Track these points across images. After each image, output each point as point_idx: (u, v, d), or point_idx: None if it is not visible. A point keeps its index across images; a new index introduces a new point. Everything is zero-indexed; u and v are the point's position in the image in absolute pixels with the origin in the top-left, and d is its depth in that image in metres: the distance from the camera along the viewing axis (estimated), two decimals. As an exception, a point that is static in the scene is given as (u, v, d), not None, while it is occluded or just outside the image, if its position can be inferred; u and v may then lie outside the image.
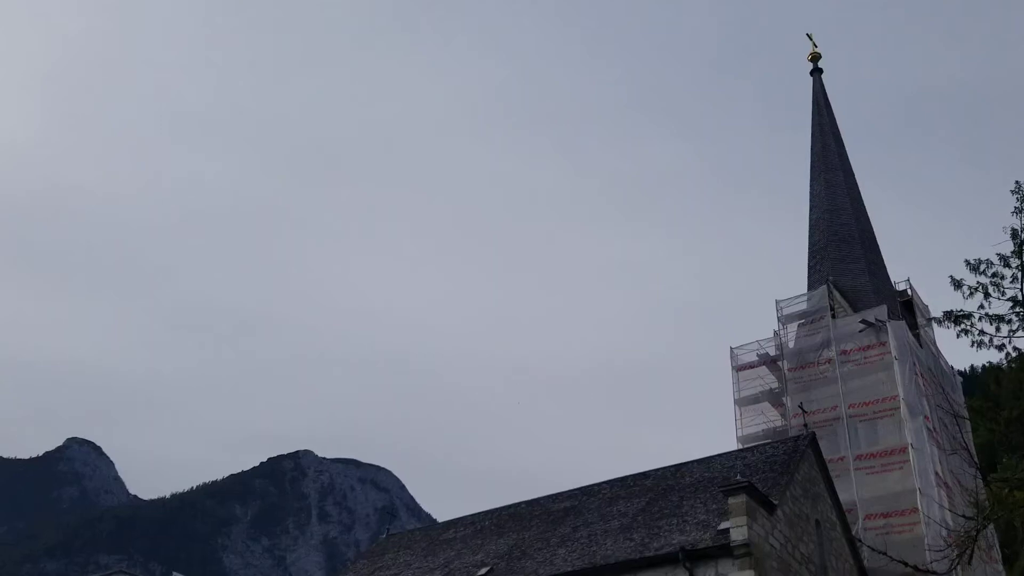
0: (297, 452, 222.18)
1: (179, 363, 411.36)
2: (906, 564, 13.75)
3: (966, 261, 13.08)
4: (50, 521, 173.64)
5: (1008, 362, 11.82)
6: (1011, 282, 12.74)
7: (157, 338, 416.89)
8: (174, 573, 52.50)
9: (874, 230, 37.72)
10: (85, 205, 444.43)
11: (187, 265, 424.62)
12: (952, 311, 12.69)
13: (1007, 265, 12.81)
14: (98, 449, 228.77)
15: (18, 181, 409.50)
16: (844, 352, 29.92)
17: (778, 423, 30.90)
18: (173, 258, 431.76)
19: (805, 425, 26.96)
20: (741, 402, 32.03)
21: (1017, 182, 13.88)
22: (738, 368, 32.61)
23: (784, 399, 30.81)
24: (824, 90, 41.71)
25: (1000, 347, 11.98)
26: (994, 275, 12.89)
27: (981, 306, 12.78)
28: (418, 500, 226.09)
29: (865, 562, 25.24)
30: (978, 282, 12.87)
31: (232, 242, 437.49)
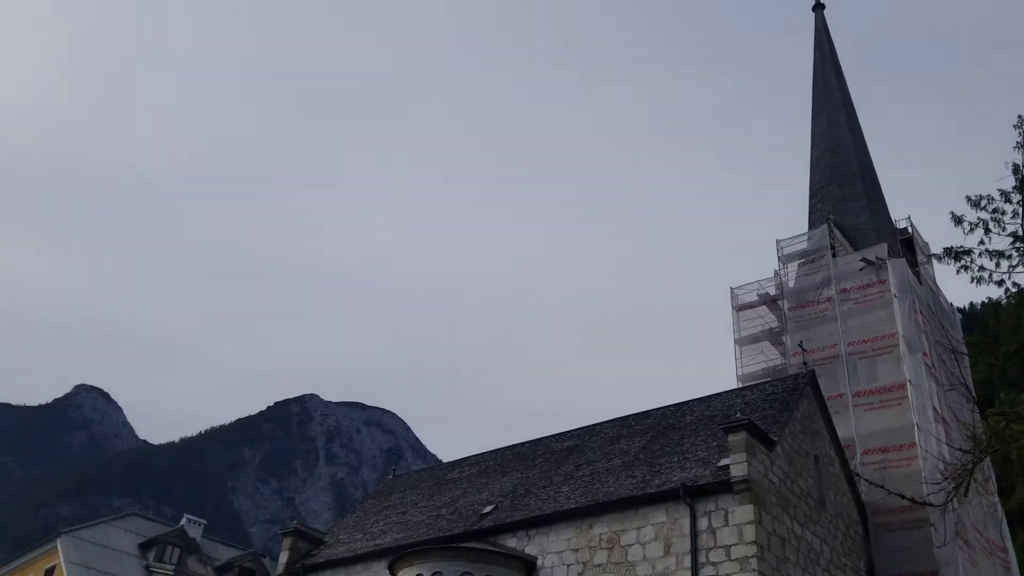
0: (303, 396, 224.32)
1: (184, 309, 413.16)
2: (903, 497, 13.95)
3: (967, 197, 13.01)
4: (62, 466, 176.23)
5: (1007, 297, 11.81)
6: (1012, 217, 12.68)
7: (162, 285, 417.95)
8: (185, 515, 53.27)
9: (875, 168, 37.52)
10: (85, 153, 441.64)
11: (193, 211, 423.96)
12: (952, 247, 12.66)
13: (1008, 200, 12.73)
14: (106, 395, 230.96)
15: (17, 132, 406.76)
16: (844, 291, 29.96)
17: (778, 362, 31.09)
18: (178, 204, 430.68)
19: (804, 363, 27.13)
20: (741, 342, 32.18)
21: (1020, 116, 13.73)
22: (738, 308, 32.71)
23: (784, 338, 30.96)
24: (826, 26, 41.08)
25: (999, 283, 11.96)
26: (995, 211, 12.81)
27: (981, 242, 12.74)
28: (423, 442, 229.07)
29: (863, 496, 25.64)
30: (979, 218, 12.80)
31: (236, 187, 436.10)
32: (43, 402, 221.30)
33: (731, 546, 19.65)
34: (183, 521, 50.53)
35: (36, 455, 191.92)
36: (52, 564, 41.68)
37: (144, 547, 44.70)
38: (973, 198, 13.07)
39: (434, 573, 22.44)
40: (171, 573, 42.66)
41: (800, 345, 28.24)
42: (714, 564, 19.73)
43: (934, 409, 26.16)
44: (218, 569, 45.80)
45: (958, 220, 13.05)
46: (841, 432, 26.10)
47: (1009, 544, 29.20)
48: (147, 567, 43.23)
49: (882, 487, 15.56)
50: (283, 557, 29.82)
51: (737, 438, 20.76)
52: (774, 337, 31.75)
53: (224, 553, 49.27)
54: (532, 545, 23.33)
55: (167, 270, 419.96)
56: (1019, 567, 30.12)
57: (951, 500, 11.83)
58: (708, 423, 24.88)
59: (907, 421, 25.89)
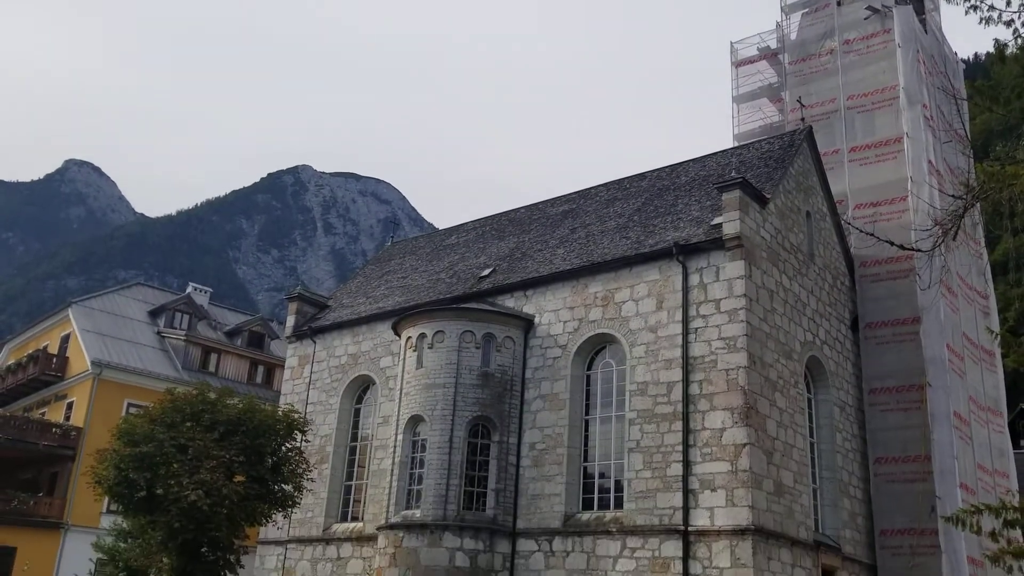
0: (296, 167, 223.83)
1: (171, 81, 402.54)
2: (892, 243, 14.17)
3: (985, -68, 12.16)
4: (63, 241, 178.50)
5: (1014, 39, 11.28)
6: (1030, -47, 11.91)
7: (149, 57, 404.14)
8: (191, 284, 54.62)
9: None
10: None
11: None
12: (962, -15, 11.94)
13: (1028, -67, 11.90)
14: (98, 170, 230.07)
15: None
16: (847, 41, 28.97)
17: (775, 119, 30.64)
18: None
19: (802, 119, 26.80)
20: (739, 99, 31.54)
21: None
22: (737, 64, 31.77)
23: (783, 94, 30.29)
24: None
25: (1008, 22, 11.38)
26: (1013, -55, 12.03)
27: (995, -21, 12.04)
28: (419, 211, 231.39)
29: (852, 250, 26.20)
30: (994, -46, 12.03)
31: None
32: (35, 178, 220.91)
33: (721, 300, 20.33)
34: (189, 289, 51.91)
35: (36, 231, 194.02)
36: (66, 332, 43.21)
37: (153, 314, 46.15)
38: (992, -68, 12.23)
39: (436, 332, 23.33)
40: (183, 338, 44.25)
41: (799, 100, 27.73)
42: (704, 317, 20.50)
43: (929, 162, 26.08)
44: (228, 333, 47.52)
45: (973, -43, 12.26)
46: (835, 187, 26.23)
47: (991, 291, 30.17)
48: (158, 333, 44.80)
49: (872, 235, 15.78)
50: (290, 321, 30.94)
51: (731, 196, 20.91)
52: (773, 93, 31.10)
53: (232, 318, 50.96)
54: (530, 304, 24.11)
55: (154, 41, 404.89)
56: (998, 313, 31.35)
57: (939, 245, 11.97)
58: (703, 183, 24.97)
59: (901, 175, 25.87)
